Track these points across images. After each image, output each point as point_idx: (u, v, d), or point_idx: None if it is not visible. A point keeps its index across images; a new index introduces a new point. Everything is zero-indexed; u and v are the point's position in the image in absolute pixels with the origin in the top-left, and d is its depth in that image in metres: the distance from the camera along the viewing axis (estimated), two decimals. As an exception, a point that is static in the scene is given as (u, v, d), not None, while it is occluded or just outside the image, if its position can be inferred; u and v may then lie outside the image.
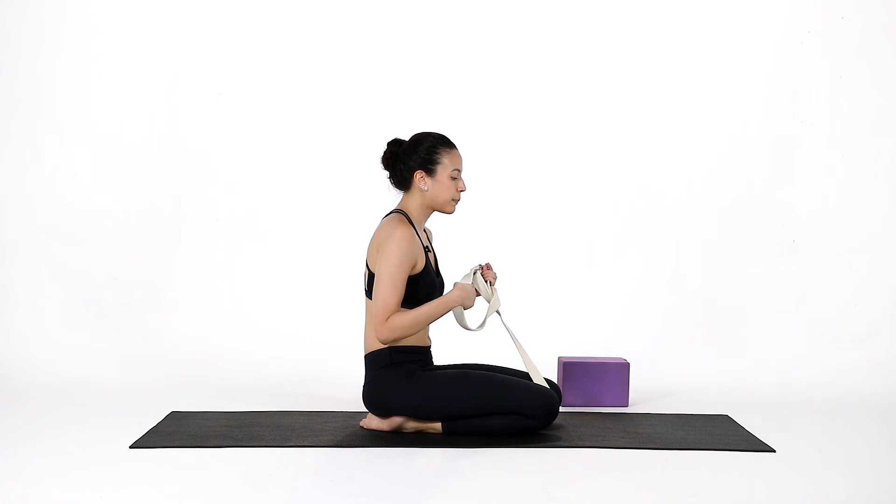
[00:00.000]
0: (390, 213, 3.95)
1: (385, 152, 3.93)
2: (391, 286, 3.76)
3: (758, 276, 5.46)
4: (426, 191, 3.89)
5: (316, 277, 5.43)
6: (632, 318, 5.41)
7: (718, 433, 4.00)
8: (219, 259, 5.46)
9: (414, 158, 3.88)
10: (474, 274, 3.93)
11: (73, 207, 5.41)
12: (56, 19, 5.40)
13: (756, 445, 3.82)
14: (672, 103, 5.53)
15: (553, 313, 5.39)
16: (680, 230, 5.52)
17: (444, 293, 3.93)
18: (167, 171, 5.45)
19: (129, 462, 3.52)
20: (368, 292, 3.88)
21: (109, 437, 3.84)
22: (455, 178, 3.90)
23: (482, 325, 4.00)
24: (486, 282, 3.95)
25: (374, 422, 3.94)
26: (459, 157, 3.93)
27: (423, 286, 3.85)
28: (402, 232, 3.78)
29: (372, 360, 3.89)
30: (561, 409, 4.32)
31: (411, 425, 3.91)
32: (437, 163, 3.88)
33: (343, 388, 4.65)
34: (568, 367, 4.56)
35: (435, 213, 3.99)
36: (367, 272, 3.88)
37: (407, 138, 3.96)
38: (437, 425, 3.88)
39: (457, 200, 3.93)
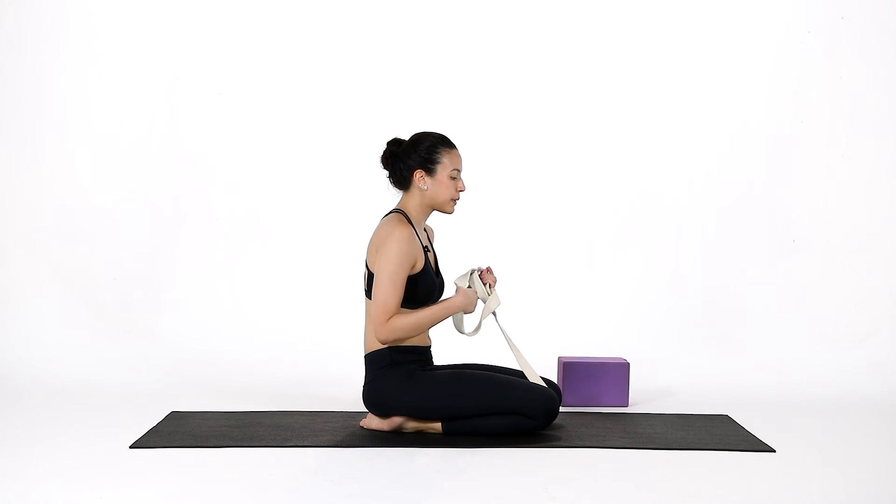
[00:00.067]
0: (390, 212, 3.95)
1: (385, 151, 3.93)
2: (391, 286, 3.76)
3: (758, 276, 5.46)
4: (426, 190, 3.89)
5: (316, 277, 5.43)
6: (632, 318, 5.41)
7: (718, 433, 4.00)
8: (219, 259, 5.46)
9: (414, 158, 3.88)
10: (471, 275, 3.93)
11: (73, 207, 5.41)
12: (56, 19, 5.40)
13: (756, 445, 3.82)
14: (672, 103, 5.53)
15: (553, 313, 5.39)
16: (680, 230, 5.52)
17: (446, 297, 3.93)
18: (167, 171, 5.45)
19: (129, 462, 3.52)
20: (368, 292, 3.88)
21: (109, 437, 3.84)
22: (454, 177, 3.90)
23: (478, 329, 4.00)
24: (484, 284, 3.95)
25: (374, 422, 3.94)
26: (459, 157, 3.93)
27: (423, 286, 3.85)
28: (401, 232, 3.78)
29: (372, 360, 3.89)
30: (561, 409, 4.32)
31: (411, 425, 3.91)
32: (437, 162, 3.88)
33: (343, 388, 4.65)
34: (568, 367, 4.56)
35: (435, 212, 3.99)
36: (367, 272, 3.88)
37: (407, 138, 3.96)
38: (437, 425, 3.88)
39: (456, 200, 3.93)
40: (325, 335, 5.20)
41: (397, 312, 3.79)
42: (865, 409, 4.58)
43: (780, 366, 5.12)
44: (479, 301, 3.93)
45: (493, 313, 3.98)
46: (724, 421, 4.23)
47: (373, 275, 3.82)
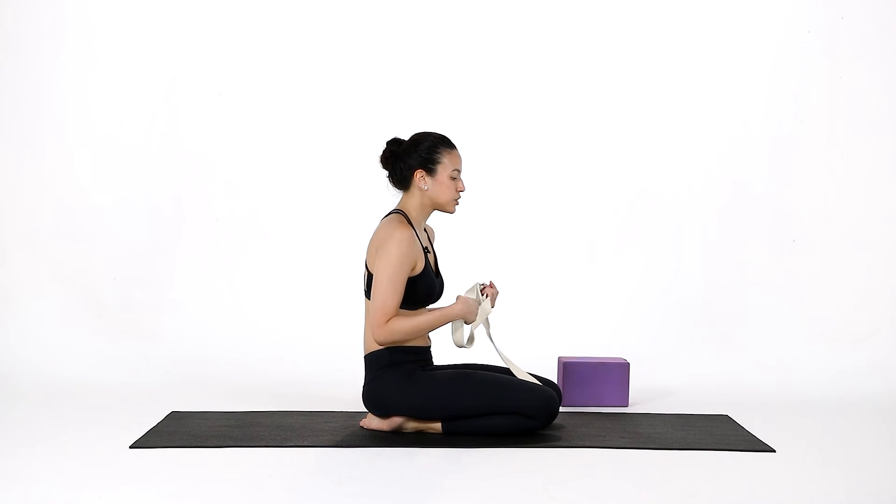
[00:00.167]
0: (390, 213, 3.94)
1: (384, 151, 3.93)
2: (390, 288, 3.76)
3: (758, 276, 5.46)
4: (426, 190, 3.89)
5: (316, 278, 5.43)
6: (632, 318, 5.41)
7: (718, 433, 4.00)
8: (219, 259, 5.46)
9: (414, 157, 3.88)
10: (475, 287, 3.95)
11: (73, 207, 5.41)
12: (56, 19, 5.40)
13: (756, 445, 3.82)
14: (672, 103, 5.53)
15: (553, 313, 5.39)
16: (680, 230, 5.52)
17: (447, 305, 3.92)
18: (167, 171, 5.45)
19: (129, 462, 3.52)
20: (368, 293, 3.88)
21: (109, 437, 3.84)
22: (455, 178, 3.90)
23: (472, 340, 3.99)
24: (484, 296, 3.94)
25: (374, 422, 3.94)
26: (459, 157, 3.93)
27: (423, 287, 3.85)
28: (401, 233, 3.78)
29: (372, 360, 3.88)
30: (561, 409, 4.32)
31: (411, 425, 3.91)
32: (438, 162, 3.88)
33: (343, 388, 4.65)
34: (568, 367, 4.56)
35: (436, 212, 3.99)
36: (367, 273, 3.88)
37: (406, 138, 3.96)
38: (437, 425, 3.88)
39: (457, 200, 3.93)
40: (325, 335, 5.20)
41: (396, 314, 3.79)
42: (865, 409, 4.58)
43: (780, 366, 5.12)
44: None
45: (487, 323, 3.98)
46: (724, 421, 4.23)
47: (372, 276, 3.82)
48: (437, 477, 3.41)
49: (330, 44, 5.50)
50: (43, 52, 5.40)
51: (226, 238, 5.47)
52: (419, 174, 3.88)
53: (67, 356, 5.07)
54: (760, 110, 5.51)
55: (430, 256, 3.99)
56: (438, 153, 3.88)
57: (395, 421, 3.89)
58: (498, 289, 4.02)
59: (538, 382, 3.92)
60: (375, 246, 3.83)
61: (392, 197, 4.01)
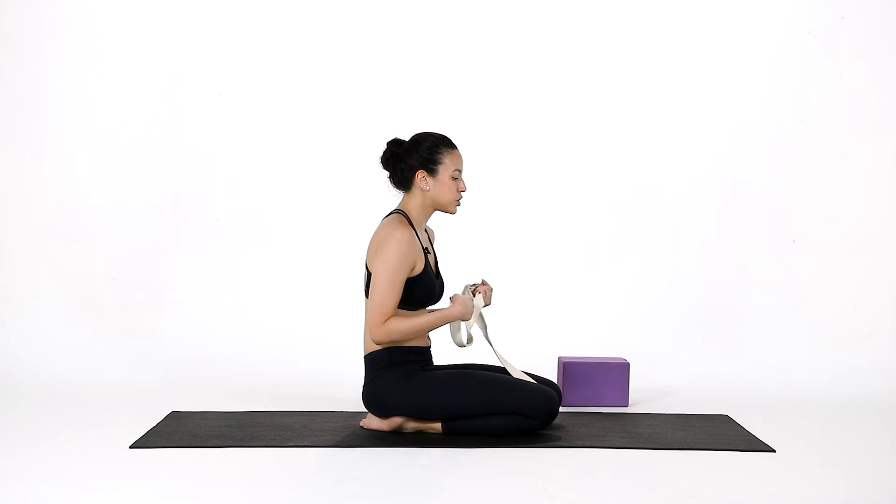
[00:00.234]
0: (390, 213, 3.94)
1: (385, 152, 3.93)
2: (389, 288, 3.76)
3: (758, 276, 5.46)
4: (427, 191, 3.89)
5: (316, 278, 5.43)
6: (632, 318, 5.41)
7: (718, 433, 4.00)
8: (219, 259, 5.46)
9: (415, 158, 3.88)
10: (466, 289, 3.96)
11: (73, 207, 5.41)
12: (56, 19, 5.40)
13: (756, 445, 3.82)
14: (672, 103, 5.53)
15: (553, 313, 5.39)
16: (680, 230, 5.52)
17: (444, 307, 3.92)
18: (167, 171, 5.45)
19: (129, 462, 3.52)
20: (367, 293, 3.88)
21: (109, 437, 3.84)
22: (456, 178, 3.90)
23: (471, 339, 4.00)
24: (475, 294, 3.95)
25: (374, 422, 3.94)
26: (460, 157, 3.93)
27: (422, 288, 3.85)
28: (401, 234, 3.78)
29: (372, 360, 3.88)
30: (561, 409, 4.32)
31: (411, 425, 3.91)
32: (439, 163, 3.88)
33: (343, 388, 4.65)
34: (568, 367, 4.56)
35: (436, 212, 3.99)
36: (367, 273, 3.88)
37: (407, 138, 3.96)
38: (437, 425, 3.88)
39: (459, 201, 3.93)
40: (325, 335, 5.20)
41: (394, 315, 3.79)
42: (865, 409, 4.58)
43: (780, 366, 5.12)
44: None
45: (481, 318, 3.98)
46: (724, 421, 4.23)
47: (371, 275, 3.82)
48: (437, 477, 3.40)
49: (330, 44, 5.50)
50: (43, 52, 5.40)
51: (226, 238, 5.47)
52: (420, 175, 3.87)
53: (67, 356, 5.07)
54: (760, 110, 5.51)
55: (431, 257, 3.98)
56: (440, 153, 3.88)
57: (395, 421, 3.89)
58: (491, 286, 4.02)
59: (534, 382, 3.92)
60: (375, 246, 3.83)
61: (393, 197, 4.01)
